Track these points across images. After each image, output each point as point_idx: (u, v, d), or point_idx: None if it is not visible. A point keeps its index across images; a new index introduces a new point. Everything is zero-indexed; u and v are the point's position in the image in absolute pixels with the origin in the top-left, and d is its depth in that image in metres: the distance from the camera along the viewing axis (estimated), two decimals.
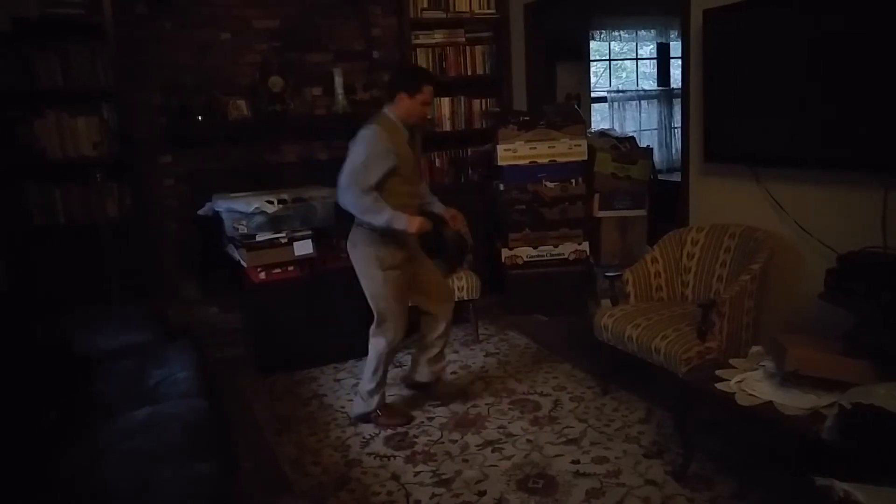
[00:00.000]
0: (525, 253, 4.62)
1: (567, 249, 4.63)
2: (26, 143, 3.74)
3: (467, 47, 5.07)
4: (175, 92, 4.21)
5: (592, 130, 5.40)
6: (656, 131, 7.96)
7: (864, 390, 1.92)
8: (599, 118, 7.62)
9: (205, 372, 2.73)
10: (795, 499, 2.18)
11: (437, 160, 5.09)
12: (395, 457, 2.89)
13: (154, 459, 1.98)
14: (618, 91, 7.86)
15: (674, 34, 7.43)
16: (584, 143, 4.55)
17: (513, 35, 5.13)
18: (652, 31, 7.72)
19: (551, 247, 4.62)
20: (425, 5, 4.89)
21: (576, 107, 5.57)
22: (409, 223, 2.85)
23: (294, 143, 4.66)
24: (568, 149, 4.53)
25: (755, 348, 2.58)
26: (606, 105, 7.75)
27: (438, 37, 4.98)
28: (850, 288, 2.55)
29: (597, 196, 4.70)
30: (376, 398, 3.15)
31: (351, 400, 3.33)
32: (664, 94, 7.94)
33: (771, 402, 2.22)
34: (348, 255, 3.12)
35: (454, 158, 5.15)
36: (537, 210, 4.58)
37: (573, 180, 4.56)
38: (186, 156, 4.35)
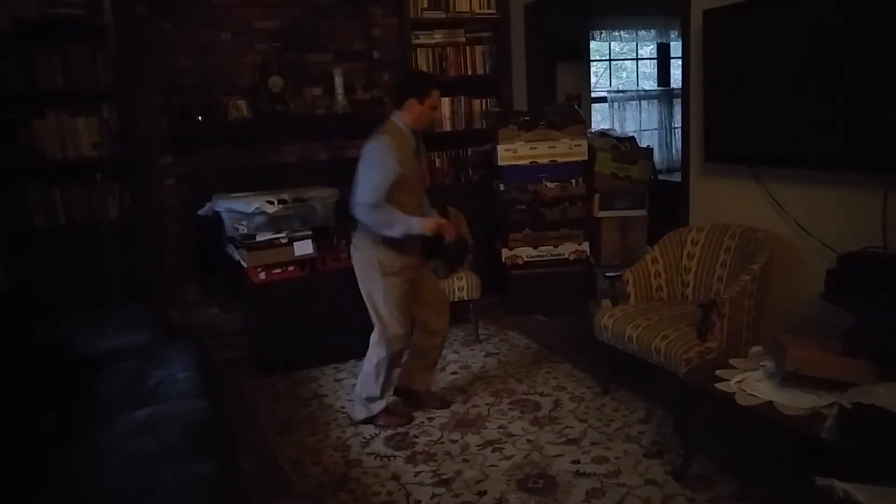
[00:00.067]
0: (525, 253, 4.62)
1: (567, 249, 4.63)
2: (26, 143, 3.73)
3: (467, 47, 5.07)
4: (175, 92, 4.21)
5: (592, 130, 5.40)
6: (656, 131, 7.97)
7: (864, 390, 1.92)
8: (599, 118, 7.63)
9: (205, 372, 2.73)
10: (795, 499, 2.17)
11: (437, 160, 5.09)
12: (395, 457, 2.90)
13: (154, 460, 1.98)
14: (618, 91, 7.87)
15: (674, 34, 7.44)
16: (584, 143, 4.55)
17: (513, 35, 5.13)
18: (652, 31, 7.73)
19: (551, 247, 4.62)
20: (425, 5, 4.88)
21: (576, 107, 5.58)
22: (425, 225, 2.87)
23: (294, 143, 4.66)
24: (568, 149, 4.53)
25: (755, 348, 2.58)
26: (606, 105, 7.76)
27: (438, 37, 4.97)
28: (850, 288, 2.55)
29: (597, 196, 4.70)
30: (381, 403, 3.14)
31: (351, 400, 3.32)
32: (664, 94, 7.95)
33: (771, 402, 2.22)
34: (349, 255, 3.12)
35: (454, 158, 5.15)
36: (537, 210, 4.58)
37: (573, 180, 4.56)
38: (187, 156, 4.35)
